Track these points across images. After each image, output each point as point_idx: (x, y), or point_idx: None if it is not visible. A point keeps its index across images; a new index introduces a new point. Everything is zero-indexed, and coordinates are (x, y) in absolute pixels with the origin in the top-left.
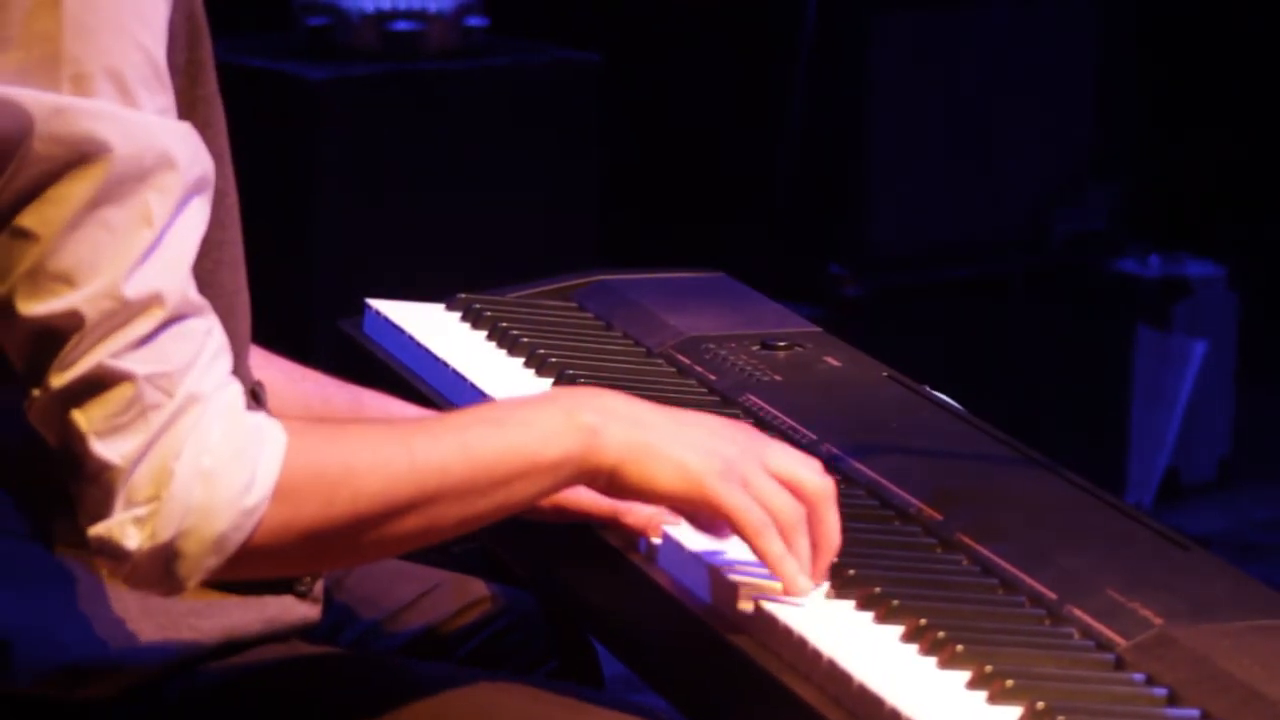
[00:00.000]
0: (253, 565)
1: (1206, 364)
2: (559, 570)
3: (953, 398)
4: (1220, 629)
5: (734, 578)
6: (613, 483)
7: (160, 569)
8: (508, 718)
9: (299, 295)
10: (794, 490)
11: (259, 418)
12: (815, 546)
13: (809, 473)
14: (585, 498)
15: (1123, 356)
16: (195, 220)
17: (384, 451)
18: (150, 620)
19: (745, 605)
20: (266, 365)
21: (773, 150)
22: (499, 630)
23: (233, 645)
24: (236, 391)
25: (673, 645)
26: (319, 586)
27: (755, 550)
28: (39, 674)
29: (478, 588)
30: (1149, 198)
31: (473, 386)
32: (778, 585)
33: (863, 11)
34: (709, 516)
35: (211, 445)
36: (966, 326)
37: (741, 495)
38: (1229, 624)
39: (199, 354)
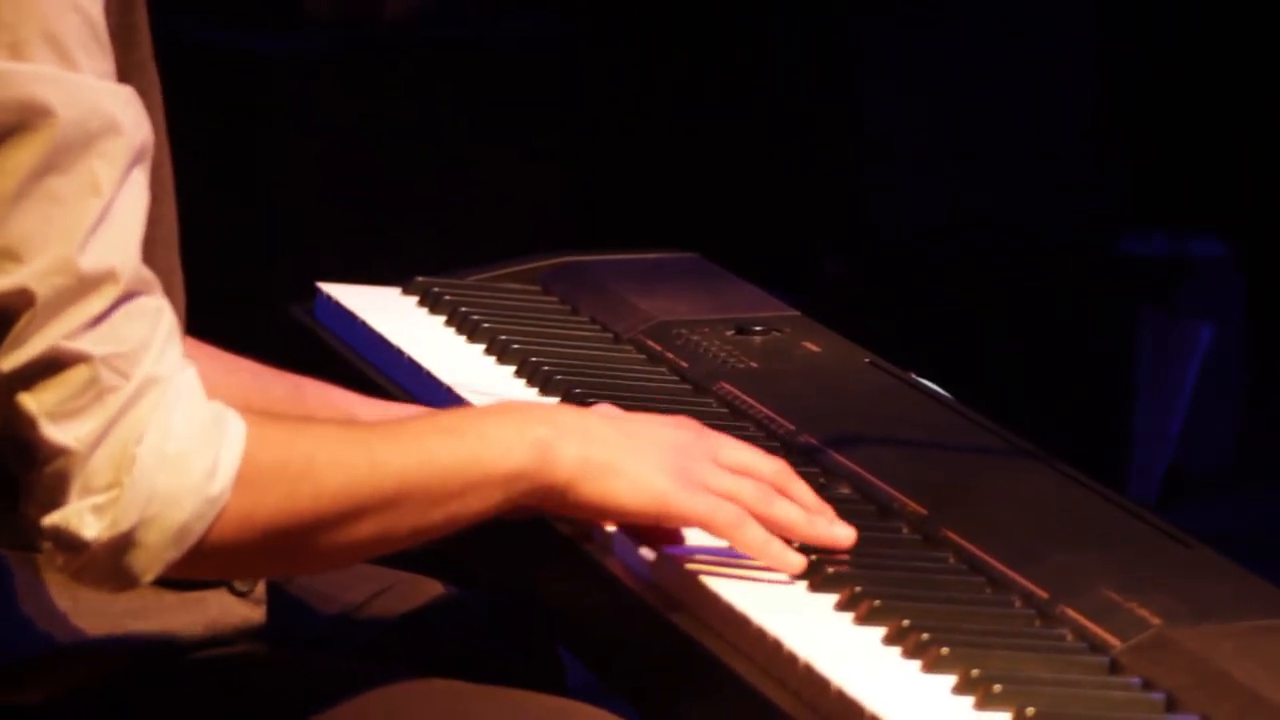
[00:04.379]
0: (209, 562)
1: (1213, 349)
2: (517, 568)
3: (940, 385)
4: (1222, 630)
5: (702, 575)
6: (566, 500)
7: (116, 562)
8: None
9: (248, 280)
10: (751, 479)
11: (217, 404)
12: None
13: (759, 459)
14: None
15: (1124, 341)
16: (139, 190)
17: (345, 450)
18: (84, 622)
19: (715, 602)
20: (196, 354)
21: (755, 124)
22: (456, 633)
23: (174, 649)
24: (193, 374)
25: (637, 647)
26: (260, 587)
27: (738, 546)
28: None
29: (433, 588)
30: (1152, 173)
31: (430, 375)
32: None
33: None
34: (665, 529)
35: (174, 429)
36: (955, 310)
37: (706, 499)
38: (1231, 625)
39: (153, 334)
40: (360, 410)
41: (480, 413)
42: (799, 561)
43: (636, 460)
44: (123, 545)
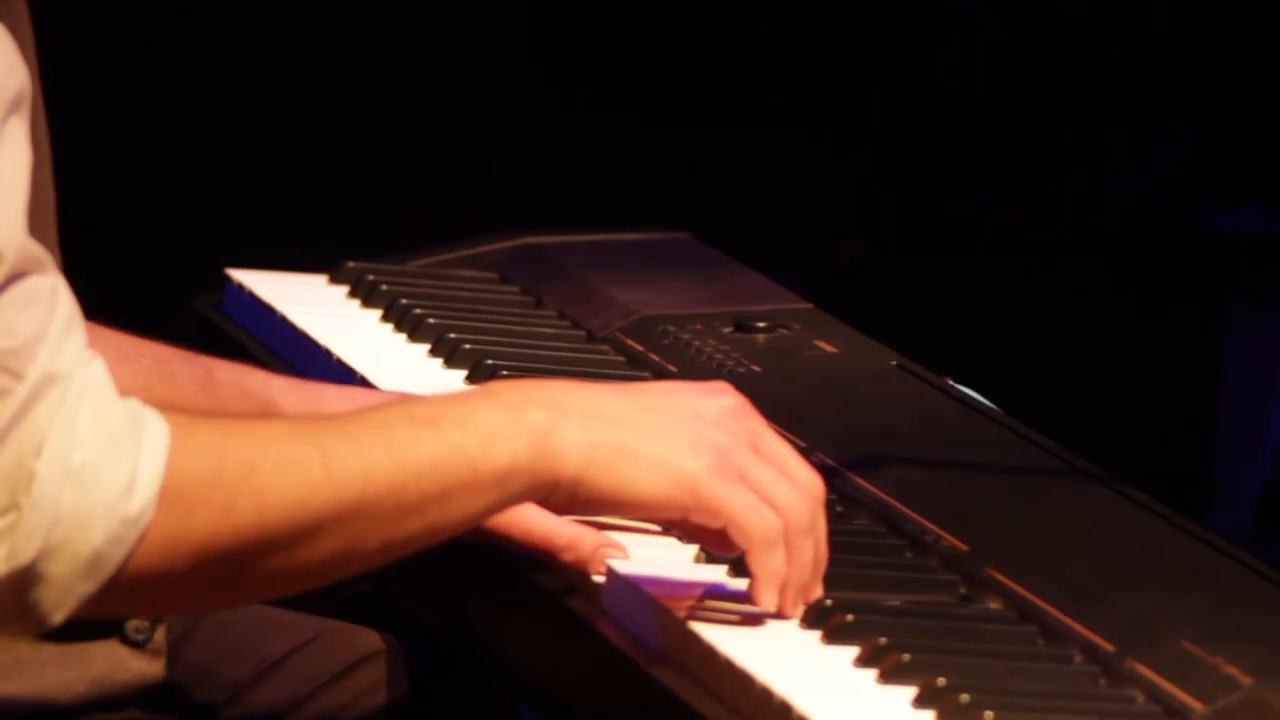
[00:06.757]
0: (130, 596)
1: None
2: (475, 617)
3: (982, 393)
4: None
5: (693, 620)
6: (576, 496)
7: (19, 600)
8: None
9: (141, 265)
10: (789, 486)
11: (132, 402)
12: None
13: (799, 465)
14: (514, 524)
15: (1208, 339)
16: (19, 148)
17: (293, 451)
18: None
19: (711, 655)
20: (93, 339)
21: (750, 83)
22: (395, 692)
23: (50, 714)
24: (101, 368)
25: (614, 708)
26: (159, 635)
27: (751, 561)
28: None
29: (370, 640)
30: (1238, 136)
31: (362, 381)
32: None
33: None
34: (698, 526)
35: (80, 436)
36: (1002, 303)
37: (745, 494)
38: None
39: (49, 321)
40: (282, 396)
41: (462, 397)
42: (796, 612)
43: (659, 440)
44: (25, 580)
